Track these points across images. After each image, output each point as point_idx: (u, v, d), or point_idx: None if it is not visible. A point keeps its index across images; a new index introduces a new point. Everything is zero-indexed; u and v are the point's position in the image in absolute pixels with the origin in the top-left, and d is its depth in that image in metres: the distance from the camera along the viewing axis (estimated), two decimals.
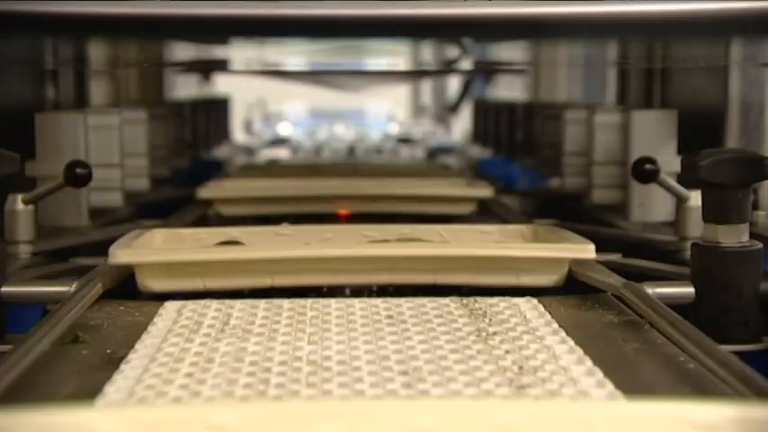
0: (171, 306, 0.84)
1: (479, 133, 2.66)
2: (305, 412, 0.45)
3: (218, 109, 2.64)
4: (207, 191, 1.40)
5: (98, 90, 1.87)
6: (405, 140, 3.19)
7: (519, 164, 2.07)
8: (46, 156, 1.27)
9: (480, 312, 0.82)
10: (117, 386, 0.63)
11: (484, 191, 1.42)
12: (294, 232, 1.05)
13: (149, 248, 0.96)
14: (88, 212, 1.30)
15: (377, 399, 0.55)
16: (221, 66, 1.94)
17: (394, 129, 3.68)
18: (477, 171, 2.03)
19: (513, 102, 2.31)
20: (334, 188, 1.40)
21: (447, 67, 2.29)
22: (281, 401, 0.55)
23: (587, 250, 0.91)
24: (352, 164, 2.28)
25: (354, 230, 1.05)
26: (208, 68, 2.62)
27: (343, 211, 1.15)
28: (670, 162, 1.20)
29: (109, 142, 1.39)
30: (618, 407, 0.50)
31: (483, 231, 1.07)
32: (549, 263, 0.93)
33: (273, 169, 1.97)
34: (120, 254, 0.90)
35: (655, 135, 1.31)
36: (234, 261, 0.90)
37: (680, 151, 1.29)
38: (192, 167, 2.01)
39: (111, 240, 0.94)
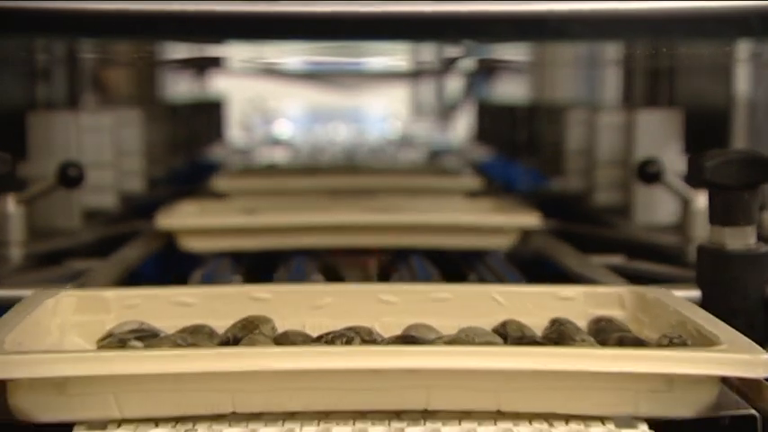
0: None
1: (480, 133, 2.65)
2: (312, 290, 0.74)
3: (214, 109, 2.62)
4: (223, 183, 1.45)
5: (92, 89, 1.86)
6: (404, 141, 3.19)
7: (521, 165, 2.05)
8: (38, 156, 1.25)
9: None
10: None
11: (472, 182, 1.43)
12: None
13: (192, 214, 1.17)
14: (81, 214, 1.29)
15: (357, 284, 0.91)
16: (217, 64, 1.93)
17: (393, 129, 3.68)
18: (479, 172, 2.02)
19: (514, 102, 2.31)
20: (336, 184, 1.46)
21: (448, 67, 2.29)
22: (298, 284, 0.86)
23: (533, 217, 1.10)
24: (350, 165, 2.29)
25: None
26: (204, 67, 2.61)
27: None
28: (675, 162, 1.18)
29: (102, 142, 1.37)
30: (509, 287, 0.76)
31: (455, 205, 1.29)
32: (500, 229, 1.11)
33: (272, 170, 1.97)
34: (165, 220, 1.08)
35: (659, 135, 1.29)
36: (259, 226, 1.09)
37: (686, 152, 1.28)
38: (187, 168, 2.00)
39: (105, 242, 0.94)
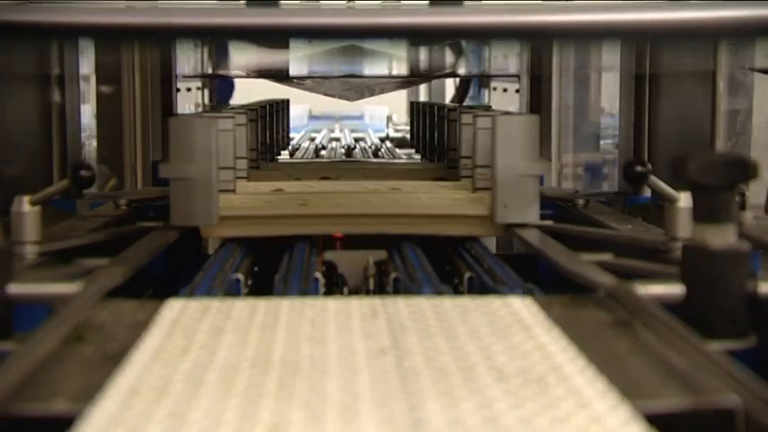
0: (173, 305, 0.85)
1: None
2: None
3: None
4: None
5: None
6: (402, 142, 3.21)
7: None
8: (179, 158, 1.27)
9: (473, 308, 0.84)
10: (118, 384, 0.64)
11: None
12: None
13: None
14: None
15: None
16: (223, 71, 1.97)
17: (392, 132, 3.70)
18: None
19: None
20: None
21: (444, 74, 2.31)
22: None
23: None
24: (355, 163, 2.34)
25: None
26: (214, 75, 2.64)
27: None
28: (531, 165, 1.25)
29: (226, 144, 1.39)
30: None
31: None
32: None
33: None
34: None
35: (518, 139, 1.30)
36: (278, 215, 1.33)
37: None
38: None
39: (114, 241, 0.96)
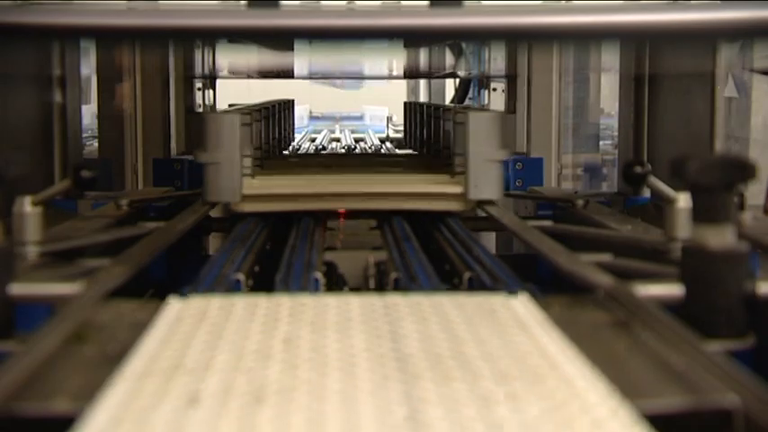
0: (175, 303, 0.85)
1: None
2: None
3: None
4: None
5: None
6: (402, 143, 3.21)
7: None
8: (211, 146, 1.47)
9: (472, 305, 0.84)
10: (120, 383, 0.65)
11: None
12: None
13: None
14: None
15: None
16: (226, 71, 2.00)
17: (392, 132, 3.71)
18: None
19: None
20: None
21: (444, 75, 2.34)
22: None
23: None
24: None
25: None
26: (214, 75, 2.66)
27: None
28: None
29: (245, 136, 1.57)
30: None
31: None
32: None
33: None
34: None
35: (486, 131, 1.51)
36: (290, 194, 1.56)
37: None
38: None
39: (115, 242, 0.96)
